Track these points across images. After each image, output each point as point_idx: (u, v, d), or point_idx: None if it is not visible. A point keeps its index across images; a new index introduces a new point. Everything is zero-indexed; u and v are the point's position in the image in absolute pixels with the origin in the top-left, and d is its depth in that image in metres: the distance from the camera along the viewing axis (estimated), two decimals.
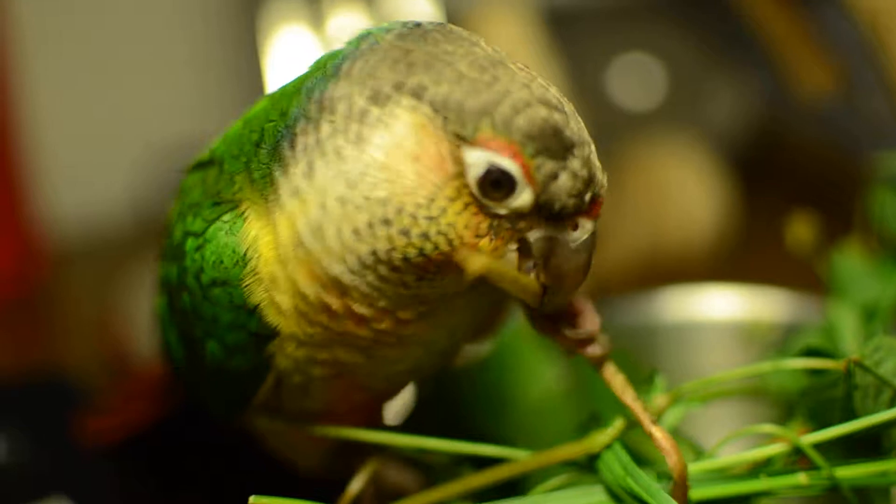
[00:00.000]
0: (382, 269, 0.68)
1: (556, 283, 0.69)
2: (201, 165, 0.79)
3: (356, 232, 0.67)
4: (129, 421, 1.01)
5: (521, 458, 0.76)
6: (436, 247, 0.66)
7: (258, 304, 0.72)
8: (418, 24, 0.70)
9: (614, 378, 0.76)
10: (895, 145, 1.21)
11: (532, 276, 0.68)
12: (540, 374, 0.97)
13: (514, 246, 0.68)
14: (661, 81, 1.68)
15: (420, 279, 0.69)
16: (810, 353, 0.78)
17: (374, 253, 0.67)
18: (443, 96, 0.65)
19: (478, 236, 0.67)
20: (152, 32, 1.74)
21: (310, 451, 0.85)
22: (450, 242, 0.66)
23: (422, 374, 0.84)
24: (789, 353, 0.85)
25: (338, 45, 0.72)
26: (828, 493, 0.75)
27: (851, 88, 1.44)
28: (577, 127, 0.67)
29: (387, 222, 0.66)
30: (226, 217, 0.72)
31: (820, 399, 0.77)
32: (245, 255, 0.71)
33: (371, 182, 0.66)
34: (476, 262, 0.65)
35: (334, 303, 0.70)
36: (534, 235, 0.68)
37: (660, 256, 1.44)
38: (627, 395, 0.74)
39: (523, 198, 0.66)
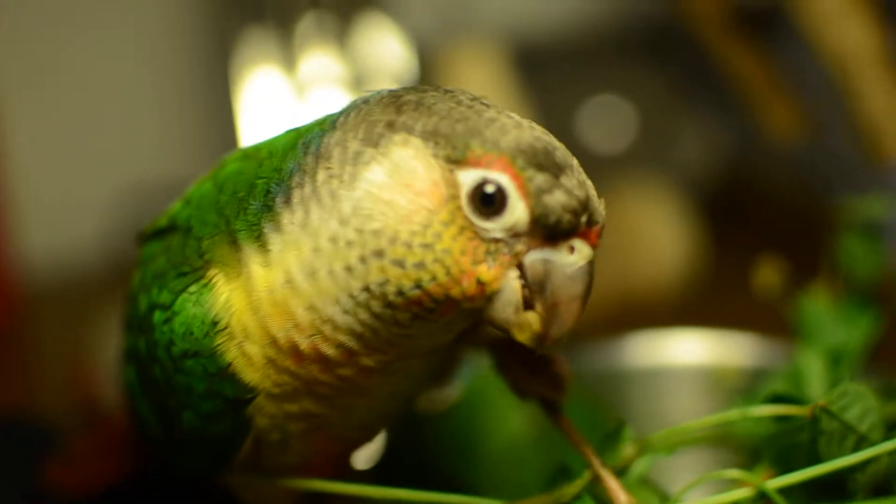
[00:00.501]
0: (375, 306, 0.67)
1: (552, 313, 0.67)
2: (161, 233, 0.79)
3: (348, 269, 0.67)
4: (95, 473, 1.00)
5: None
6: (433, 277, 0.66)
7: (231, 364, 0.72)
8: (406, 88, 0.71)
9: (567, 424, 0.77)
10: (864, 188, 1.22)
11: (531, 313, 0.67)
12: (507, 420, 0.97)
13: (514, 274, 0.67)
14: (632, 123, 1.69)
15: (415, 318, 0.68)
16: (776, 399, 0.78)
17: (366, 289, 0.67)
18: (433, 126, 0.66)
19: (475, 263, 0.66)
20: (125, 76, 1.74)
21: (282, 502, 0.84)
22: (447, 271, 0.66)
23: (391, 420, 0.85)
24: (756, 398, 0.85)
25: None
26: None
27: (820, 131, 1.45)
28: (568, 155, 0.67)
29: (379, 254, 0.66)
30: (192, 288, 0.73)
31: (786, 444, 0.78)
32: (215, 321, 0.71)
33: (364, 215, 0.66)
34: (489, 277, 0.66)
35: (302, 342, 0.70)
36: (530, 258, 0.67)
37: (628, 299, 1.45)
38: (580, 441, 0.76)
39: (517, 212, 0.65)
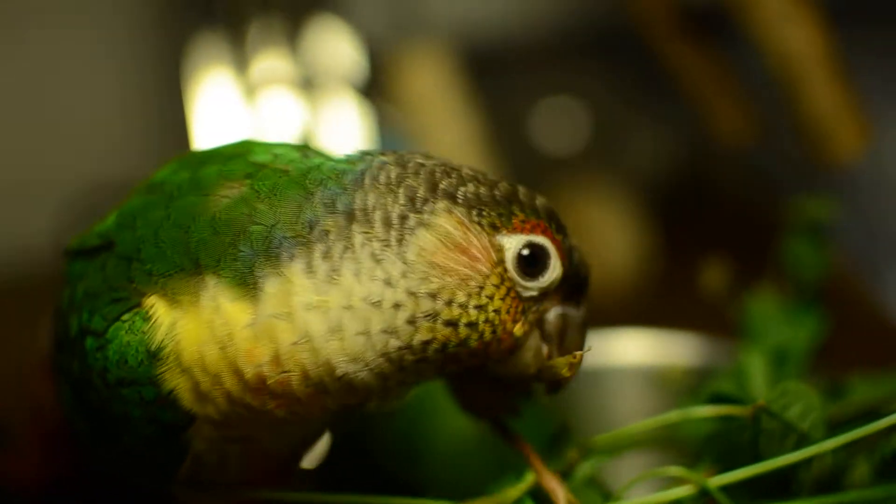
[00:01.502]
0: (407, 360, 0.70)
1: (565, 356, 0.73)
2: (90, 252, 0.77)
3: (391, 330, 0.68)
4: (40, 467, 0.99)
5: None
6: (480, 336, 0.69)
7: (171, 391, 0.71)
8: (382, 153, 0.73)
9: (512, 431, 0.78)
10: (813, 190, 1.23)
11: (561, 360, 0.73)
12: (453, 420, 0.97)
13: (537, 331, 0.73)
14: (584, 125, 1.69)
15: (440, 368, 0.72)
16: (718, 398, 0.79)
17: (408, 347, 0.69)
18: (473, 194, 0.70)
19: (515, 321, 0.71)
20: (78, 76, 1.74)
21: None
22: (494, 330, 0.70)
23: (337, 430, 0.86)
24: (699, 398, 0.85)
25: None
26: None
27: (769, 133, 1.45)
28: None
29: (433, 316, 0.68)
30: (125, 316, 0.72)
31: (728, 444, 0.78)
32: (153, 349, 0.70)
33: (418, 278, 0.68)
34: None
35: (272, 377, 0.70)
36: (553, 313, 0.73)
37: None
38: (523, 445, 0.77)
39: (556, 272, 0.71)
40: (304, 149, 0.77)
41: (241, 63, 1.49)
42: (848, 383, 0.93)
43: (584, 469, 0.78)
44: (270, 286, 0.69)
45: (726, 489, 0.75)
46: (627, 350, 1.12)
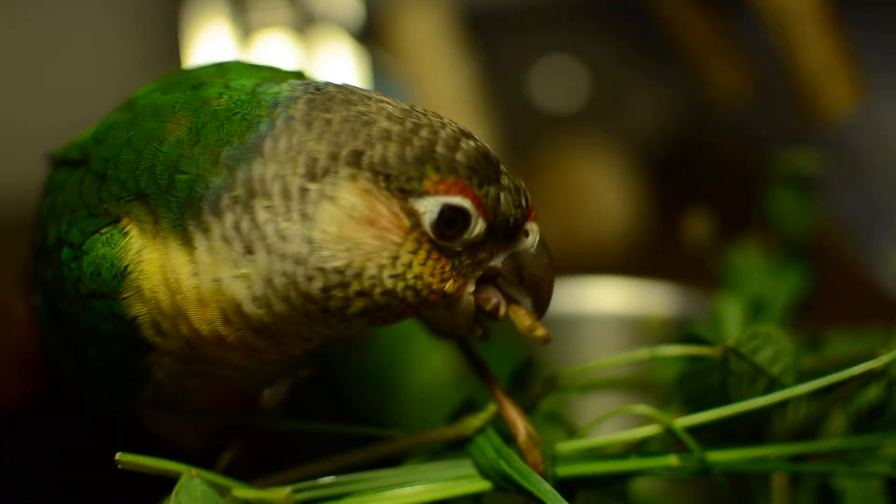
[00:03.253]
0: (332, 320, 0.69)
1: (537, 289, 0.73)
2: (72, 163, 0.77)
3: (309, 298, 0.67)
4: (16, 390, 0.99)
5: (394, 437, 0.76)
6: (402, 299, 0.68)
7: (136, 318, 0.71)
8: (318, 88, 0.70)
9: (475, 356, 0.78)
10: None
11: (521, 310, 0.73)
12: (427, 361, 0.97)
13: (470, 288, 0.71)
14: (583, 84, 1.68)
15: (371, 324, 0.70)
16: (689, 339, 0.78)
17: (324, 311, 0.68)
18: (380, 157, 0.66)
19: (443, 280, 0.69)
20: (75, 27, 1.73)
21: (190, 434, 0.84)
22: (417, 293, 0.68)
23: (300, 368, 0.84)
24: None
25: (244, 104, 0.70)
26: (711, 483, 0.75)
27: (765, 94, 1.45)
28: (487, 146, 0.70)
29: (344, 286, 0.67)
30: (104, 230, 0.71)
31: (697, 386, 0.77)
32: (125, 268, 0.70)
33: (325, 255, 0.66)
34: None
35: (230, 335, 0.69)
36: (498, 260, 0.71)
37: (571, 251, 1.44)
38: (485, 371, 0.76)
39: (478, 228, 0.68)
40: (271, 77, 0.75)
41: (238, 9, 1.48)
42: (826, 338, 0.93)
43: (548, 404, 0.77)
44: (200, 245, 0.68)
45: (694, 431, 0.74)
46: (606, 298, 1.11)
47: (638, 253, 1.48)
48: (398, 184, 0.66)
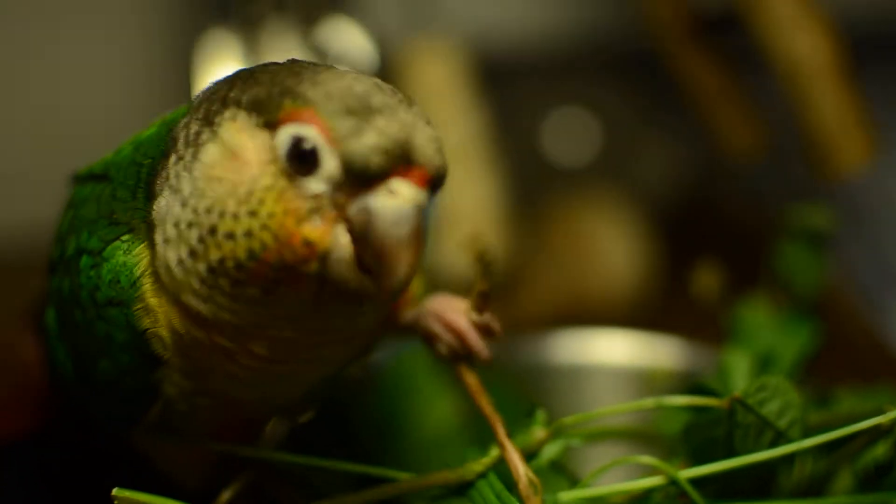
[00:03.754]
0: (224, 284, 0.66)
1: (380, 263, 0.64)
2: (95, 178, 0.78)
3: (192, 252, 0.66)
4: (7, 423, 0.99)
5: (396, 480, 0.75)
6: (263, 244, 0.64)
7: (146, 331, 0.71)
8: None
9: (475, 385, 0.77)
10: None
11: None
12: (435, 404, 0.96)
13: (342, 229, 0.65)
14: (595, 136, 1.68)
15: (268, 293, 0.66)
16: (696, 390, 0.77)
17: (210, 269, 0.66)
18: (254, 94, 0.66)
19: (299, 222, 0.64)
20: (89, 71, 1.74)
21: (192, 466, 0.83)
22: (275, 235, 0.64)
23: (309, 398, 0.83)
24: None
25: None
26: None
27: (777, 150, 1.44)
28: (394, 98, 0.65)
29: (213, 230, 0.65)
30: (124, 237, 0.71)
31: (703, 438, 0.77)
32: (138, 278, 0.70)
33: (198, 195, 0.66)
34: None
35: (202, 336, 0.69)
36: (352, 209, 0.65)
37: (578, 306, 1.44)
38: (486, 404, 0.75)
39: (329, 163, 0.64)
40: None
41: (250, 49, 1.48)
42: (835, 395, 0.92)
43: (551, 451, 0.76)
44: (158, 236, 0.69)
45: (699, 484, 0.73)
46: (613, 350, 1.11)
47: (646, 306, 1.48)
48: (266, 116, 0.65)
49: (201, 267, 0.66)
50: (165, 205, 0.68)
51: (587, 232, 1.52)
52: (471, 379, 0.78)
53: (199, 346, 0.70)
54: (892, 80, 1.62)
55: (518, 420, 0.80)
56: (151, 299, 0.70)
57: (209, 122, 0.67)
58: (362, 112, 0.64)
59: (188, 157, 0.67)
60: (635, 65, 1.71)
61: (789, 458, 0.77)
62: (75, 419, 0.87)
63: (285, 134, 0.64)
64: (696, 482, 0.73)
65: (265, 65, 0.68)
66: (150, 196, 0.70)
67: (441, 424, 0.96)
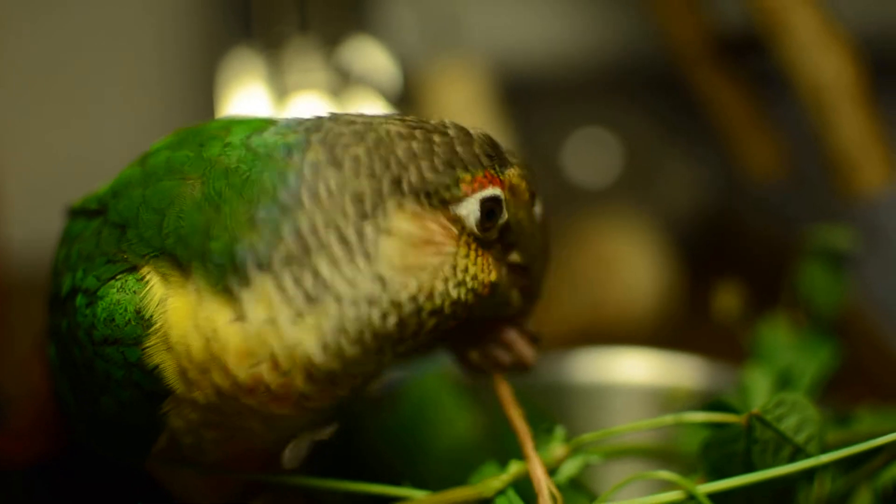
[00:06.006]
0: (400, 347, 0.71)
1: (532, 260, 0.74)
2: (88, 213, 0.77)
3: (384, 335, 0.69)
4: (29, 445, 0.99)
5: (413, 499, 0.75)
6: (465, 303, 0.70)
7: (157, 366, 0.70)
8: (318, 127, 0.70)
9: (509, 396, 0.78)
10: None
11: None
12: (454, 422, 0.96)
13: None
14: (617, 157, 1.69)
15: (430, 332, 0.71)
16: (715, 406, 0.77)
17: (400, 339, 0.70)
18: (416, 177, 0.68)
19: (490, 271, 0.71)
20: (113, 87, 1.75)
21: (208, 492, 0.83)
22: (475, 292, 0.71)
23: (319, 425, 0.85)
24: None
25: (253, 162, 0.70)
26: None
27: (800, 171, 1.44)
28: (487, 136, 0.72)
29: (418, 311, 0.69)
30: (120, 276, 0.71)
31: (721, 454, 0.76)
32: (148, 316, 0.70)
33: (397, 287, 0.68)
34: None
35: (274, 381, 0.69)
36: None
37: (599, 325, 1.44)
38: (517, 416, 0.76)
39: (507, 212, 0.70)
40: (260, 127, 0.74)
41: (274, 71, 1.49)
42: (854, 414, 0.92)
43: (570, 467, 0.76)
44: (245, 296, 0.68)
45: (717, 500, 0.73)
46: (634, 370, 1.10)
47: (667, 326, 1.48)
48: (439, 196, 0.68)
49: (387, 342, 0.69)
50: (309, 303, 0.68)
51: (608, 252, 1.52)
52: (504, 390, 0.80)
53: (251, 391, 0.70)
54: None
55: (538, 437, 0.80)
56: (182, 336, 0.69)
57: (367, 216, 0.67)
58: (502, 154, 0.71)
59: (359, 258, 0.67)
60: (657, 86, 1.72)
61: (808, 475, 0.76)
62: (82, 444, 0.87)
63: (474, 203, 0.69)
64: (715, 497, 0.73)
65: (363, 137, 0.69)
66: (243, 276, 0.68)
67: (459, 440, 0.95)
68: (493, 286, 0.72)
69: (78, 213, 0.79)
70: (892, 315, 1.49)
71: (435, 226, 0.68)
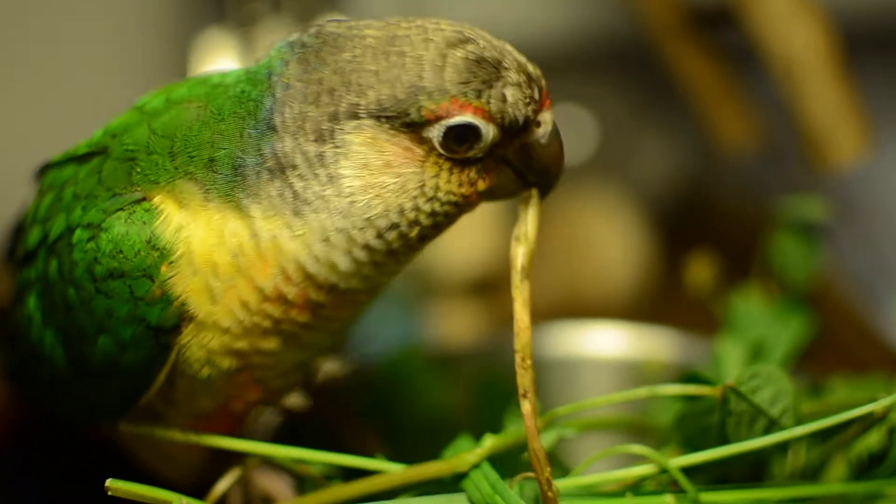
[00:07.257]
0: (402, 256, 0.74)
1: (545, 177, 0.75)
2: (79, 158, 0.78)
3: (367, 247, 0.72)
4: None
5: (388, 472, 0.75)
6: (446, 214, 0.72)
7: (181, 295, 0.72)
8: (304, 44, 0.72)
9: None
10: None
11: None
12: (428, 397, 0.96)
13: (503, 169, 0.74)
14: (591, 132, 1.68)
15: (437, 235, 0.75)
16: (689, 378, 0.77)
17: (390, 250, 0.73)
18: (374, 102, 0.69)
19: (473, 184, 0.73)
20: (86, 66, 1.74)
21: (181, 460, 0.83)
22: (456, 203, 0.72)
23: (303, 374, 0.85)
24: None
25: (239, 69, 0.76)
26: None
27: (773, 144, 1.44)
28: (489, 43, 0.71)
29: (395, 226, 0.71)
30: (127, 207, 0.72)
31: (695, 427, 0.77)
32: (162, 245, 0.71)
33: (363, 205, 0.70)
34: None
35: (291, 292, 0.72)
36: (512, 151, 0.73)
37: (575, 297, 1.44)
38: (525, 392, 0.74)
39: (490, 134, 0.71)
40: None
41: (248, 58, 1.48)
42: (828, 385, 0.92)
43: (545, 441, 0.76)
44: (254, 211, 0.71)
45: (692, 473, 0.73)
46: (607, 343, 1.10)
47: (642, 299, 1.48)
48: (400, 121, 0.69)
49: (379, 254, 0.73)
50: (297, 216, 0.71)
51: (583, 226, 1.52)
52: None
53: (278, 301, 0.73)
54: (886, 73, 1.62)
55: (511, 411, 0.80)
56: (207, 257, 0.72)
57: (326, 140, 0.70)
58: (493, 75, 0.70)
59: (324, 178, 0.70)
60: (630, 61, 1.71)
61: (783, 447, 0.77)
62: (47, 421, 0.86)
63: (438, 128, 0.70)
64: (689, 470, 0.73)
65: (330, 44, 0.71)
66: (250, 189, 0.71)
67: (435, 417, 0.96)
68: (483, 193, 0.74)
69: (62, 163, 0.80)
70: (865, 285, 1.50)
71: (394, 148, 0.70)
